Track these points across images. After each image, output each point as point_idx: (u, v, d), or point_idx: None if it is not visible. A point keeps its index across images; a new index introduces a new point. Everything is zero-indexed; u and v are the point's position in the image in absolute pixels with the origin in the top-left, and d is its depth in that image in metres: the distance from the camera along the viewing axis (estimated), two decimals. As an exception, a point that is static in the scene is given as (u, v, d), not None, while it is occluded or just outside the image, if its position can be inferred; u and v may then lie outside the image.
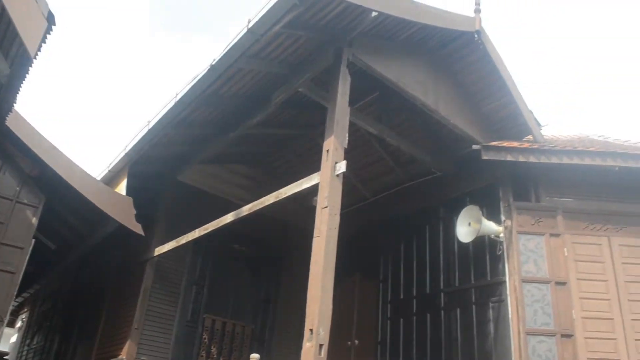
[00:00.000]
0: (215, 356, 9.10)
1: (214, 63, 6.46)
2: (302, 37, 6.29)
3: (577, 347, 6.89)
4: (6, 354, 13.78)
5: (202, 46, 41.13)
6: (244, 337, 9.43)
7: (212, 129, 8.22)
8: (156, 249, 8.48)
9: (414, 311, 8.59)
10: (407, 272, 8.97)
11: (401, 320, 8.71)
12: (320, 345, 4.74)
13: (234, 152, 9.59)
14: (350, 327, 9.32)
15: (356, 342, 9.15)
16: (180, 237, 8.00)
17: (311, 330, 4.80)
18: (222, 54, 6.36)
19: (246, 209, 6.69)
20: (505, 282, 7.31)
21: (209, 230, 7.36)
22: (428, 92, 7.20)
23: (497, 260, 7.56)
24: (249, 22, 5.79)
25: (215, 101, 7.41)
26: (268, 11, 5.61)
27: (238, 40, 6.05)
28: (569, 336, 6.96)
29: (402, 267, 9.09)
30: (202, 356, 8.96)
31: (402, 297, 8.89)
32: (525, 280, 7.20)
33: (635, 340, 6.99)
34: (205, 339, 9.05)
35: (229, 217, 7.02)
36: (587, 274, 7.33)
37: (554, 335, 6.94)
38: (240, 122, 7.77)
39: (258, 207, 6.46)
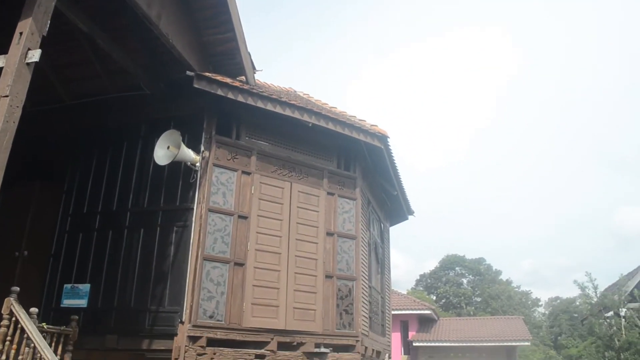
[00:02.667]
0: None
1: None
2: None
3: (246, 274, 7.73)
4: None
5: None
6: None
7: None
8: None
9: (96, 227, 8.31)
10: (96, 186, 8.54)
11: (80, 234, 8.32)
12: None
13: None
14: (21, 236, 8.52)
15: (25, 252, 8.44)
16: None
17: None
18: None
19: None
20: (192, 209, 7.63)
21: None
22: (153, 4, 6.76)
23: (188, 187, 7.78)
24: None
25: None
26: None
27: None
28: (241, 265, 7.74)
29: (91, 180, 8.60)
30: None
31: (85, 211, 8.47)
32: (211, 210, 7.66)
33: (295, 273, 8.19)
34: None
35: None
36: (267, 212, 8.19)
37: (229, 263, 7.62)
38: None
39: None
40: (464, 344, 26.27)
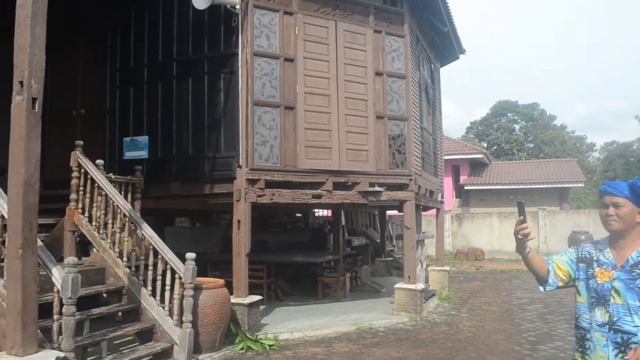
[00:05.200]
0: None
1: None
2: None
3: (297, 118, 7.72)
4: None
5: None
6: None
7: None
8: None
9: (145, 79, 8.35)
10: (138, 39, 8.43)
11: (131, 88, 8.41)
12: (34, 99, 4.33)
13: None
14: (75, 95, 8.71)
15: (82, 110, 8.68)
16: None
17: (21, 82, 4.30)
18: None
19: None
20: (237, 54, 7.48)
21: None
22: None
23: (231, 32, 7.57)
24: None
25: None
26: None
27: None
28: (291, 108, 7.71)
29: (133, 33, 8.47)
30: None
31: (132, 65, 8.46)
32: (257, 54, 7.49)
33: (346, 115, 8.12)
34: None
35: None
36: (313, 53, 7.94)
37: (279, 107, 7.61)
38: None
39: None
40: (516, 187, 26.46)
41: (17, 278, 4.28)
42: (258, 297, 7.43)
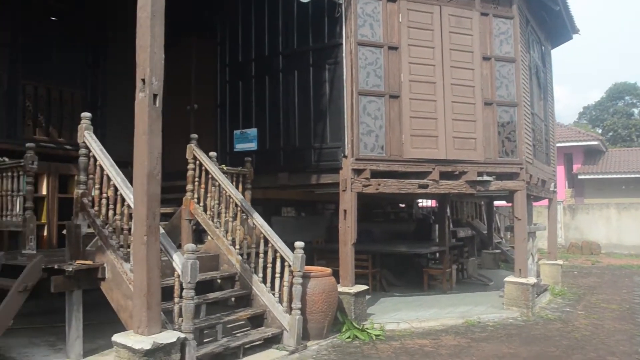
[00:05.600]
0: (43, 124, 8.56)
1: None
2: None
3: (402, 106, 7.63)
4: None
5: None
6: (74, 104, 8.89)
7: None
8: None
9: (253, 74, 8.62)
10: (245, 34, 8.73)
11: (240, 83, 8.74)
12: (155, 95, 4.57)
13: None
14: (189, 90, 9.21)
15: (195, 106, 9.15)
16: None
17: (143, 80, 4.56)
18: None
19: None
20: (341, 44, 7.51)
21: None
22: None
23: (335, 23, 7.60)
24: None
25: None
26: None
27: None
28: (396, 97, 7.63)
29: (240, 29, 8.79)
30: (29, 125, 8.38)
31: (240, 59, 8.78)
32: (360, 44, 7.48)
33: (452, 102, 7.91)
34: (29, 106, 8.36)
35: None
36: (418, 40, 7.79)
37: (384, 96, 7.55)
38: None
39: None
40: (637, 175, 24.42)
41: (142, 263, 4.57)
42: (364, 287, 7.46)
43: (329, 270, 6.81)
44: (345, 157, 7.35)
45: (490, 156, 8.18)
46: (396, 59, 7.67)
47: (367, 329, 6.83)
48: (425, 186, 7.77)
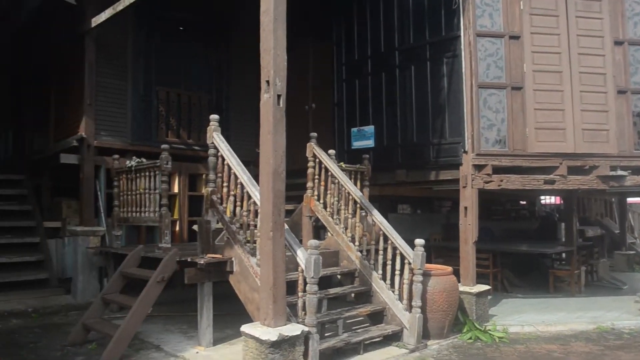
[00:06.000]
0: (174, 127, 9.22)
1: None
2: None
3: (526, 98, 7.27)
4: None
5: None
6: (201, 107, 9.48)
7: None
8: (93, 19, 7.89)
9: (369, 71, 8.64)
10: (361, 32, 8.77)
11: (356, 81, 8.80)
12: (279, 96, 4.71)
13: None
14: (307, 90, 9.46)
15: (313, 105, 9.37)
16: (117, 3, 7.40)
17: (267, 82, 4.71)
18: None
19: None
20: (459, 36, 7.31)
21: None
22: None
23: (452, 14, 7.41)
24: None
25: None
26: None
27: None
28: (519, 88, 7.28)
29: (356, 28, 8.85)
30: (162, 128, 9.06)
31: (356, 58, 8.85)
32: (479, 35, 7.23)
33: (581, 92, 7.40)
34: (162, 111, 9.04)
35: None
36: (541, 27, 7.37)
37: (505, 88, 7.25)
38: None
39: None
40: None
41: (268, 257, 4.74)
42: (486, 287, 7.21)
43: (449, 268, 6.65)
44: (466, 152, 7.15)
45: (625, 149, 7.56)
46: (518, 49, 7.32)
47: (489, 330, 6.59)
48: (552, 182, 7.35)
